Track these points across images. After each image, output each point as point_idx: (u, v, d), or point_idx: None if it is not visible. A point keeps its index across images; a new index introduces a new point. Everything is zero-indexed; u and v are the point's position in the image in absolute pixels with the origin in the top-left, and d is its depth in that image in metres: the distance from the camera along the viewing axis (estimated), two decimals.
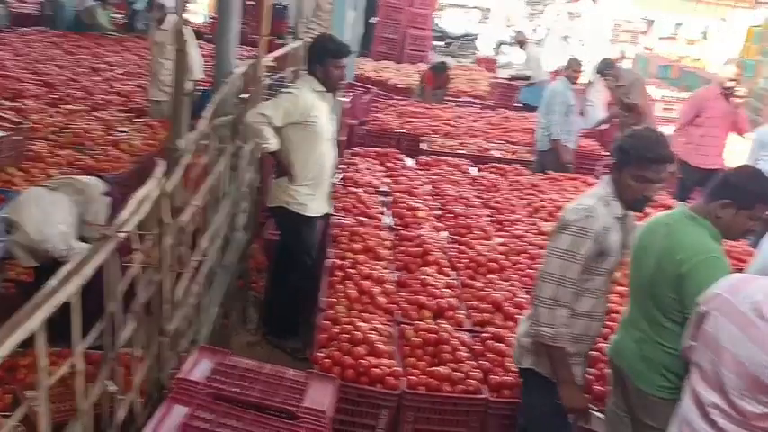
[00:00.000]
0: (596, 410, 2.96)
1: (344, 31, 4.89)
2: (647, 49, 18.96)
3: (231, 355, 2.88)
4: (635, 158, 2.64)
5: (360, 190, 5.24)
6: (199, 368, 2.71)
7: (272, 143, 3.94)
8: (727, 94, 6.42)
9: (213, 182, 3.42)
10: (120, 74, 9.16)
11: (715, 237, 2.65)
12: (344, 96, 6.39)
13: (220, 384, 2.65)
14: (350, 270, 4.05)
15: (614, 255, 2.73)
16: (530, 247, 4.74)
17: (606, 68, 8.13)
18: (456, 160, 6.72)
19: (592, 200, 2.72)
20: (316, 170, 4.11)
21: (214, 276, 3.65)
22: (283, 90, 4.22)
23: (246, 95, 4.42)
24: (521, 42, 10.25)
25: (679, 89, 12.81)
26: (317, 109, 3.99)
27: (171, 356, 2.81)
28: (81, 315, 1.96)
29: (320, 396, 2.72)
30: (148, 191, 2.40)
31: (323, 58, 4.01)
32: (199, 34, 8.83)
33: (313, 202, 4.16)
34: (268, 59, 5.26)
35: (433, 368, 3.33)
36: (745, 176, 2.74)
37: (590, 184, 6.42)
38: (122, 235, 2.18)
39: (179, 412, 2.46)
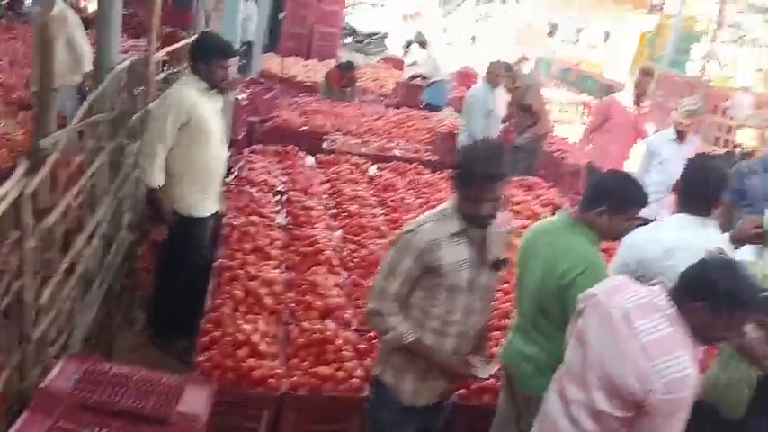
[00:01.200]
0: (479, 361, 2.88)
1: (237, 26, 4.79)
2: (549, 52, 19.60)
3: (102, 362, 2.79)
4: (464, 176, 2.57)
5: (254, 189, 5.18)
6: (65, 376, 2.61)
7: (157, 179, 3.90)
8: (634, 102, 6.55)
9: (89, 181, 3.30)
10: (3, 63, 8.63)
11: (594, 241, 2.79)
12: (242, 93, 6.28)
13: (87, 393, 2.56)
14: (238, 271, 4.00)
15: (452, 271, 2.62)
16: None
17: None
18: (356, 159, 6.75)
19: (430, 214, 2.71)
20: (204, 169, 4.04)
21: (93, 278, 3.52)
22: (166, 92, 4.10)
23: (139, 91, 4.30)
24: (421, 43, 10.39)
25: (577, 92, 13.37)
26: (201, 108, 3.91)
27: (35, 365, 2.69)
28: None
29: (195, 400, 2.67)
30: (5, 192, 2.29)
31: (207, 58, 3.93)
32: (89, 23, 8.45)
33: (203, 201, 4.09)
34: (160, 53, 5.13)
35: (317, 368, 3.34)
36: (615, 182, 2.86)
37: None
38: None
39: (40, 424, 2.37)
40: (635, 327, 2.25)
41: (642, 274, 3.02)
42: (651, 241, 3.02)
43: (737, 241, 3.19)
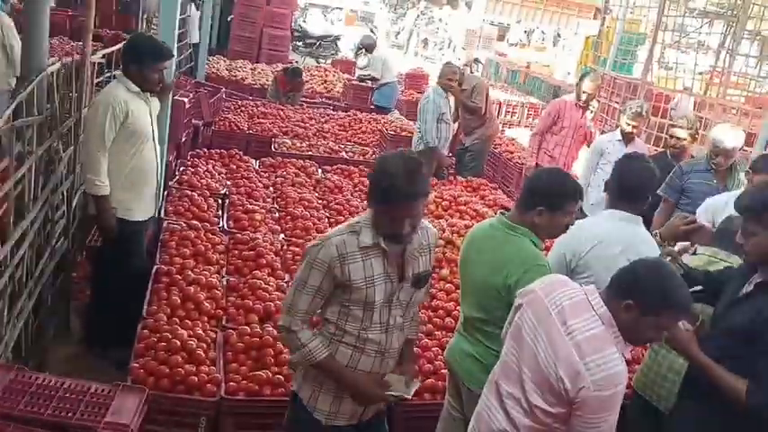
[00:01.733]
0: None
1: (174, 28, 4.70)
2: (499, 54, 19.88)
3: (28, 372, 2.71)
4: (382, 192, 2.41)
5: (195, 193, 5.11)
6: None
7: (104, 188, 3.80)
8: (583, 106, 6.52)
9: (14, 188, 3.20)
10: None
11: (536, 242, 2.83)
12: (184, 96, 6.19)
13: (11, 404, 2.50)
14: (176, 276, 3.95)
15: (363, 287, 2.49)
16: None
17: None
18: (302, 162, 6.73)
19: (341, 227, 2.57)
20: (138, 173, 3.96)
21: (22, 288, 3.42)
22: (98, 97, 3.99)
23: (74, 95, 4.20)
24: (367, 46, 10.42)
25: (525, 93, 13.57)
26: (134, 110, 3.84)
27: None
28: None
29: (126, 409, 2.63)
30: None
31: (141, 60, 3.86)
32: None
33: (137, 205, 4.01)
34: (96, 56, 5.02)
35: (255, 373, 3.32)
36: (548, 181, 2.90)
37: (432, 185, 6.65)
38: None
39: None
40: (568, 325, 2.28)
41: (576, 266, 3.10)
42: (581, 234, 3.08)
43: (667, 238, 3.28)
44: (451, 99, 7.34)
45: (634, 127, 5.60)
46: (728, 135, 4.50)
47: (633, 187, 3.18)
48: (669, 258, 2.83)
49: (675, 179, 4.67)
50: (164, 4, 4.67)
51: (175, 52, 4.66)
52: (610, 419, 2.27)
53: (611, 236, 3.09)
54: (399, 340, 2.66)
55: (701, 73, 12.16)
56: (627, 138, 5.61)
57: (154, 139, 4.05)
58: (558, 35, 24.53)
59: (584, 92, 6.46)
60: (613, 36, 12.87)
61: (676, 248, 2.96)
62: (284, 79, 9.76)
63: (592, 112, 6.59)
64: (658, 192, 4.65)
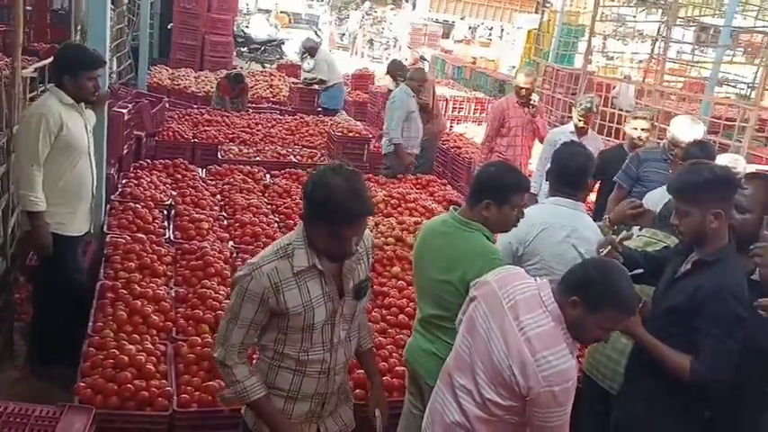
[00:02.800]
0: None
1: (105, 36, 4.59)
2: (444, 51, 20.04)
3: None
4: (326, 211, 2.25)
5: (139, 205, 5.01)
6: None
7: (40, 204, 3.67)
8: (523, 103, 6.48)
9: None
10: None
11: (490, 237, 2.85)
12: (123, 108, 6.07)
13: None
14: (122, 290, 3.86)
15: (303, 312, 2.35)
16: None
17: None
18: (250, 168, 6.66)
19: (269, 252, 2.38)
20: (73, 187, 3.85)
21: None
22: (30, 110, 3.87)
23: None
24: (310, 49, 10.38)
25: (471, 89, 13.71)
26: (69, 123, 3.74)
27: None
28: None
29: (72, 431, 2.56)
30: None
31: (73, 70, 3.75)
32: None
33: (71, 220, 3.88)
34: (28, 70, 4.89)
35: (208, 383, 3.26)
36: (493, 174, 2.92)
37: (381, 184, 6.66)
38: None
39: None
40: (520, 320, 2.30)
41: (522, 253, 3.14)
42: (526, 221, 3.11)
43: (616, 222, 3.35)
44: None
45: (585, 122, 5.73)
46: (689, 130, 4.51)
47: (571, 173, 3.26)
48: (609, 247, 2.89)
49: (632, 167, 4.71)
50: (91, 11, 4.55)
51: (108, 60, 4.54)
52: (563, 415, 2.30)
53: (555, 221, 3.16)
54: (347, 354, 2.56)
55: (640, 61, 12.45)
56: (580, 131, 5.70)
57: (89, 153, 3.94)
58: (502, 30, 24.85)
59: (520, 87, 6.49)
60: (554, 29, 13.11)
61: (618, 237, 3.03)
62: (227, 86, 9.64)
63: (533, 106, 6.50)
64: (614, 178, 4.73)
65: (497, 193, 2.84)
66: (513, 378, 2.27)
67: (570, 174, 3.25)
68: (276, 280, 2.32)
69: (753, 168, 5.00)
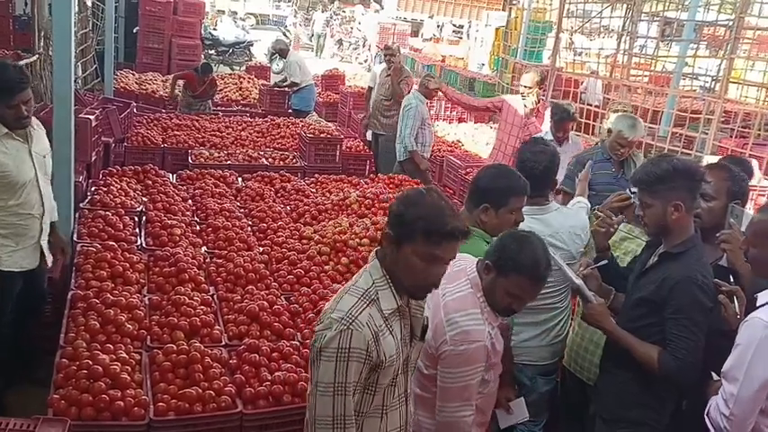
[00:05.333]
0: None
1: (71, 42, 4.50)
2: (413, 50, 20.07)
3: None
4: (425, 231, 2.05)
5: (109, 212, 4.93)
6: None
7: None
8: (524, 104, 6.35)
9: None
10: None
11: (489, 240, 2.82)
12: (90, 114, 5.97)
13: None
14: (93, 300, 3.79)
15: (394, 359, 2.14)
16: (290, 252, 4.78)
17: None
18: (221, 172, 6.61)
19: (352, 299, 2.10)
20: (13, 219, 3.61)
21: None
22: None
23: None
24: (280, 51, 10.33)
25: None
26: (6, 157, 3.49)
27: None
28: None
29: None
30: None
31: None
32: None
33: (12, 255, 3.64)
34: None
35: (184, 391, 3.23)
36: (489, 178, 2.93)
37: (354, 185, 6.66)
38: None
39: None
40: (444, 289, 2.47)
41: None
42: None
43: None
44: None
45: (563, 131, 5.60)
46: (633, 126, 4.53)
47: (537, 175, 3.16)
48: (587, 267, 2.99)
49: (576, 172, 4.58)
50: (55, 17, 4.47)
51: (72, 66, 4.45)
52: (471, 375, 2.44)
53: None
54: (410, 410, 2.37)
55: (607, 56, 12.58)
56: (557, 139, 5.54)
57: (37, 181, 3.66)
58: (471, 27, 24.98)
59: (521, 85, 6.38)
60: (521, 26, 13.19)
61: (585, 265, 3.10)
62: (196, 79, 9.51)
63: (526, 106, 6.38)
64: (559, 186, 4.68)
65: (494, 196, 2.83)
66: (431, 342, 2.43)
67: (537, 176, 3.15)
68: (374, 329, 2.07)
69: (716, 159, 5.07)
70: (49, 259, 3.91)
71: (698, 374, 2.59)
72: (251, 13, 26.63)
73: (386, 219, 5.24)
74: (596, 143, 4.84)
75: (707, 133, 7.20)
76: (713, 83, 11.01)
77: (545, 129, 5.83)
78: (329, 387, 2.03)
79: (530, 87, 6.35)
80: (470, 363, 2.42)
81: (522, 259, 2.42)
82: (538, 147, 3.31)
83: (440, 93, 7.90)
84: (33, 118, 3.69)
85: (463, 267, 2.54)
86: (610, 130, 4.60)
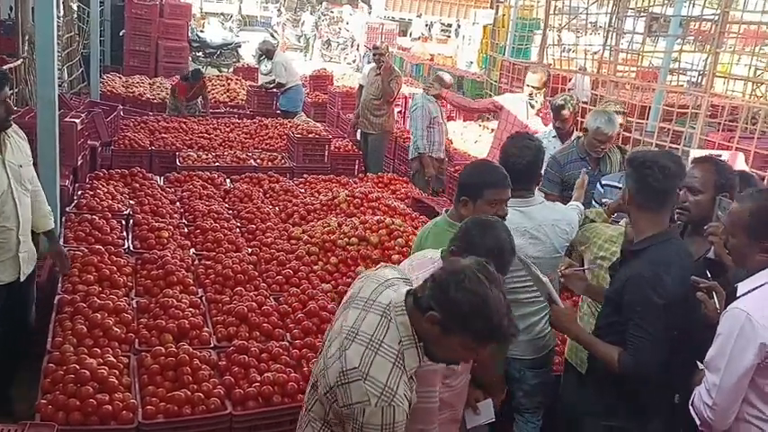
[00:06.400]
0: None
1: (54, 46, 4.47)
2: (402, 49, 20.07)
3: None
4: (472, 330, 1.97)
5: (96, 216, 4.90)
6: None
7: None
8: (529, 103, 6.26)
9: None
10: None
11: None
12: (76, 117, 5.94)
13: None
14: (80, 304, 3.76)
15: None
16: (279, 253, 4.77)
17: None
18: (209, 174, 6.58)
19: (387, 365, 2.02)
20: None
21: None
22: None
23: None
24: (266, 52, 10.31)
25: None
26: None
27: None
28: None
29: None
30: None
31: None
32: None
33: None
34: None
35: (173, 393, 3.21)
36: (466, 172, 2.99)
37: (343, 184, 6.65)
38: None
39: None
40: (415, 274, 2.46)
41: None
42: None
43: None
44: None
45: (561, 123, 5.44)
46: (610, 121, 4.50)
47: (521, 169, 3.17)
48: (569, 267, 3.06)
49: (554, 173, 4.62)
50: (38, 21, 4.44)
51: (56, 69, 4.41)
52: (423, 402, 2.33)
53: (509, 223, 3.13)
54: None
55: (595, 52, 12.61)
56: (560, 134, 5.43)
57: (12, 193, 3.47)
58: (459, 26, 25.02)
59: (527, 85, 6.28)
60: (508, 23, 13.21)
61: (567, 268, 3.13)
62: (184, 86, 9.48)
63: (533, 107, 6.26)
64: (539, 187, 4.63)
65: (471, 188, 2.87)
66: None
67: (520, 170, 3.15)
68: (410, 395, 2.06)
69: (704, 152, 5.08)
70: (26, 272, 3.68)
71: (658, 370, 2.59)
72: (238, 15, 26.55)
73: (375, 218, 5.24)
74: (572, 141, 4.81)
75: (694, 128, 7.22)
76: (700, 78, 11.06)
77: (549, 127, 5.69)
78: None
79: (538, 88, 6.23)
80: (421, 386, 2.26)
81: (486, 243, 2.40)
82: (523, 141, 3.28)
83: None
84: (14, 125, 3.58)
85: (428, 258, 2.56)
86: (586, 130, 4.58)
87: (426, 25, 25.19)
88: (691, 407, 2.43)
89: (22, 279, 3.61)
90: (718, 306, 2.54)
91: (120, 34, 13.42)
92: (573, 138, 4.94)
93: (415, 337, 2.06)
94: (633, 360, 2.57)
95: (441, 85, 7.34)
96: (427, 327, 2.00)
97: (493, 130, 6.74)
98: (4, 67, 6.72)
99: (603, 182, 4.25)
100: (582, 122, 7.56)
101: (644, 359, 2.56)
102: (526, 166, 3.18)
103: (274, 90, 10.41)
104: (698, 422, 2.41)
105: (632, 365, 2.57)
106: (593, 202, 4.28)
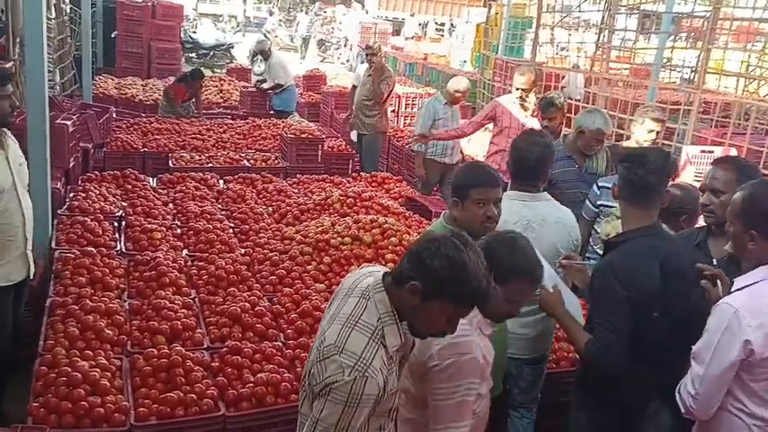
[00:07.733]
0: None
1: (43, 47, 4.44)
2: (395, 48, 20.06)
3: None
4: (452, 295, 1.97)
5: (88, 218, 4.88)
6: None
7: None
8: (522, 104, 6.23)
9: None
10: None
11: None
12: (67, 119, 5.91)
13: None
14: (72, 306, 3.75)
15: (394, 392, 2.13)
16: (272, 253, 4.76)
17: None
18: (202, 174, 6.57)
19: (363, 338, 2.00)
20: None
21: None
22: None
23: None
24: (261, 52, 10.28)
25: (424, 85, 13.74)
26: None
27: None
28: None
29: None
30: None
31: None
32: None
33: (0, 270, 3.55)
34: None
35: (166, 395, 3.20)
36: (457, 174, 2.99)
37: (336, 184, 6.64)
38: None
39: None
40: None
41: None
42: None
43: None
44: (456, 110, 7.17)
45: (549, 121, 5.49)
46: (607, 120, 4.54)
47: (530, 165, 3.23)
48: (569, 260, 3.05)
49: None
50: (27, 23, 4.41)
51: (46, 71, 4.39)
52: (459, 395, 2.27)
53: (507, 218, 3.14)
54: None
55: (587, 50, 12.63)
56: (551, 134, 5.34)
57: (16, 190, 3.53)
58: (453, 25, 25.03)
59: (516, 88, 6.24)
60: (501, 21, 13.22)
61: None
62: (182, 88, 9.44)
63: (527, 108, 6.22)
64: None
65: (459, 189, 2.87)
66: (417, 358, 2.31)
67: (529, 165, 3.22)
68: (386, 372, 2.03)
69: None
70: (31, 270, 3.81)
71: (620, 360, 2.62)
72: (232, 16, 26.53)
73: (368, 217, 5.23)
74: (560, 139, 4.81)
75: (686, 124, 7.24)
76: (692, 74, 11.08)
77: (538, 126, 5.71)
78: (331, 428, 1.97)
79: (527, 90, 6.19)
80: (461, 377, 2.27)
81: (519, 264, 2.37)
82: (533, 138, 3.35)
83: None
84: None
85: None
86: (581, 130, 4.59)
87: (420, 24, 25.20)
88: (677, 394, 2.49)
89: (31, 276, 3.68)
90: (721, 294, 2.56)
91: (113, 36, 13.39)
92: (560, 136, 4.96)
93: (395, 314, 2.06)
94: (595, 348, 2.65)
95: (447, 96, 7.09)
96: (407, 297, 2.00)
97: (489, 130, 6.69)
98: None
99: (600, 183, 4.28)
100: (568, 119, 7.61)
101: (604, 349, 2.63)
102: (534, 162, 3.23)
103: (270, 91, 10.37)
104: (682, 410, 2.48)
105: (594, 353, 2.66)
106: (588, 203, 4.33)
